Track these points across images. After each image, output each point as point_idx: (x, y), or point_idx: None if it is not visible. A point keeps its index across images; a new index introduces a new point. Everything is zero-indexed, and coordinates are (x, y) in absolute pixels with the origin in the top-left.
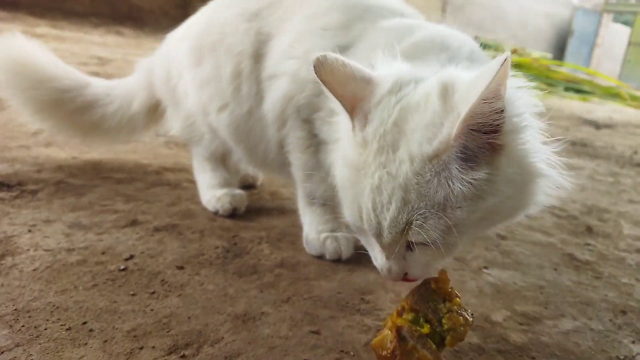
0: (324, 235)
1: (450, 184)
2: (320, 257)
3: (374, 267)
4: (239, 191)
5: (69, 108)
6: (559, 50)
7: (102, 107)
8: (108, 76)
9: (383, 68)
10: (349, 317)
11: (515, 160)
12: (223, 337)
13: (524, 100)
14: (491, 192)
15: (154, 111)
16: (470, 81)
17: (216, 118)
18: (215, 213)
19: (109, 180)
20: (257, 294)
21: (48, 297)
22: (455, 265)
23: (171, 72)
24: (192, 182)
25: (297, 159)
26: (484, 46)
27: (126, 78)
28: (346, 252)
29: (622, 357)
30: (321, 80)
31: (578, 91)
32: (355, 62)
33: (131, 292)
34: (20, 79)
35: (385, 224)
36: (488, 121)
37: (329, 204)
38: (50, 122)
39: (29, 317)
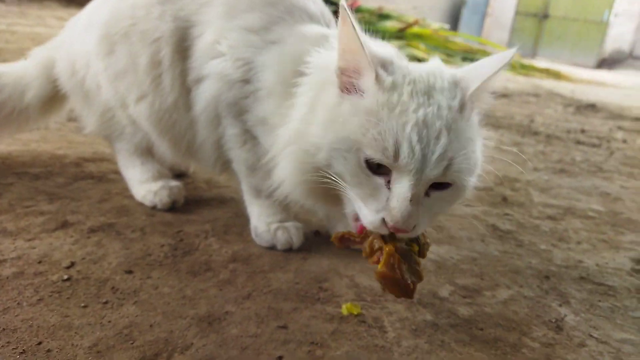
0: (274, 226)
1: (473, 131)
2: (271, 247)
3: (325, 253)
4: (175, 183)
5: None
6: (454, 20)
7: None
8: None
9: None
10: (311, 307)
11: (477, 126)
12: (192, 343)
13: None
14: (478, 148)
15: (51, 103)
16: (472, 68)
17: (135, 109)
18: (153, 207)
19: (24, 177)
20: (216, 293)
21: None
22: None
23: (76, 66)
24: (118, 173)
25: (237, 156)
26: (388, 17)
27: (15, 64)
28: (297, 241)
29: (554, 320)
30: (346, 34)
31: (474, 60)
32: None
33: (82, 304)
34: None
35: (433, 157)
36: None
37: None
38: None
39: None
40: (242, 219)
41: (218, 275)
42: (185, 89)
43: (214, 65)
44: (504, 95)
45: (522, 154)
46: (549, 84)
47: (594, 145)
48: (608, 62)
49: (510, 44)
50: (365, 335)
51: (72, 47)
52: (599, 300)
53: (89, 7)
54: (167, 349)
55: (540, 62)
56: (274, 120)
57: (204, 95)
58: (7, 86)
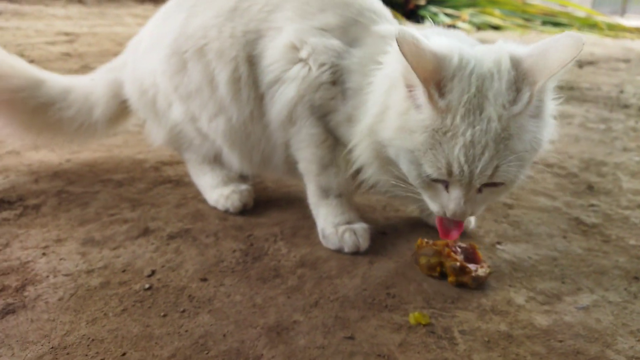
0: (342, 228)
1: (526, 135)
2: (339, 250)
3: (392, 256)
4: (245, 186)
5: (22, 110)
6: None
7: (59, 111)
8: (80, 55)
9: (437, 42)
10: (378, 316)
11: (546, 111)
12: (262, 354)
13: None
14: (541, 136)
15: (117, 119)
16: (539, 54)
17: (208, 125)
18: (226, 211)
19: (109, 184)
20: (284, 301)
21: (81, 329)
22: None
23: (144, 86)
24: None
25: (311, 154)
26: None
27: (82, 79)
28: (364, 244)
29: None
30: (402, 53)
31: (555, 24)
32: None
33: (162, 313)
34: None
35: (477, 171)
36: (546, 87)
37: (344, 196)
38: (1, 120)
39: (67, 354)
40: (310, 220)
41: (286, 282)
42: (259, 98)
43: (296, 69)
44: (590, 62)
45: (610, 131)
46: None
47: None
48: None
49: (595, 3)
50: (434, 348)
51: (137, 68)
52: None
53: (147, 29)
54: None
55: (630, 21)
56: (357, 114)
57: (284, 96)
58: (77, 102)
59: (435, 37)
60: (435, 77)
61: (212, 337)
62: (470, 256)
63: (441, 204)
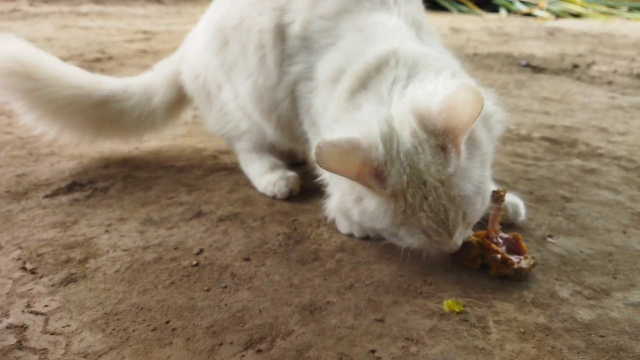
0: None
1: (471, 174)
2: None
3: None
4: (291, 173)
5: (85, 104)
6: None
7: (119, 102)
8: (155, 52)
9: (356, 124)
10: (412, 302)
11: (480, 132)
12: (293, 330)
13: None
14: (486, 154)
15: (173, 109)
16: (448, 109)
17: (241, 87)
18: (273, 197)
19: (170, 170)
20: (320, 282)
21: (132, 299)
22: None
23: (196, 70)
24: None
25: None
26: None
27: (141, 75)
28: None
29: None
30: (326, 169)
31: None
32: (338, 130)
33: (205, 288)
34: (22, 80)
35: (451, 227)
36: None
37: None
38: (60, 122)
39: (118, 319)
40: None
41: (324, 265)
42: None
43: (298, 58)
44: None
45: None
46: None
47: None
48: None
49: None
50: (465, 335)
51: (190, 56)
52: None
53: (200, 24)
54: (271, 334)
55: None
56: (319, 120)
57: (287, 76)
58: (136, 94)
59: (364, 107)
60: (368, 169)
61: (249, 311)
62: (513, 247)
63: (440, 247)
